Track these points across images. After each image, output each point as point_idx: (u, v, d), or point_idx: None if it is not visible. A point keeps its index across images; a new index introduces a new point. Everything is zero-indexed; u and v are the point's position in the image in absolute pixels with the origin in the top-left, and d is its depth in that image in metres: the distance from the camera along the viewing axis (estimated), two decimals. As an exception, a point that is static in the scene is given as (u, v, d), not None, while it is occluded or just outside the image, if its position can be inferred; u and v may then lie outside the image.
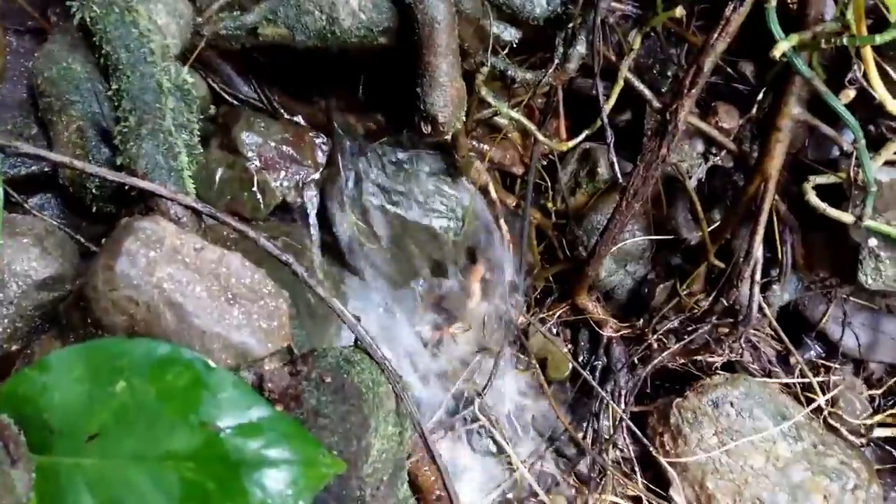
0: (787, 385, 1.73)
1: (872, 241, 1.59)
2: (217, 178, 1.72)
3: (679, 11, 1.50)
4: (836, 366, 1.75)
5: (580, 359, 1.91)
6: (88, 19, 1.25)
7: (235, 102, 1.77)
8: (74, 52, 1.31)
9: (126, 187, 1.21)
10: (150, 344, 0.81)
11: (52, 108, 1.32)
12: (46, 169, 1.36)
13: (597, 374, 1.85)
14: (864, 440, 1.68)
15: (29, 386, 0.81)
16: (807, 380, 1.71)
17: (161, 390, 0.78)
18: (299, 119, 1.83)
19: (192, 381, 0.79)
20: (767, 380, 1.73)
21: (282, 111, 1.82)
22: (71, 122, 1.31)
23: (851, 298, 1.74)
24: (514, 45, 1.62)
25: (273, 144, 1.73)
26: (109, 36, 1.24)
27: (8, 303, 1.21)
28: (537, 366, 1.87)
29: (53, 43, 1.34)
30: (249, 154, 1.71)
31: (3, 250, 1.20)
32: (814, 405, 1.67)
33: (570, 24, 1.58)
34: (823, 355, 1.79)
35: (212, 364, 0.80)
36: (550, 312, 1.93)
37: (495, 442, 1.76)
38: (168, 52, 1.32)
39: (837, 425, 1.66)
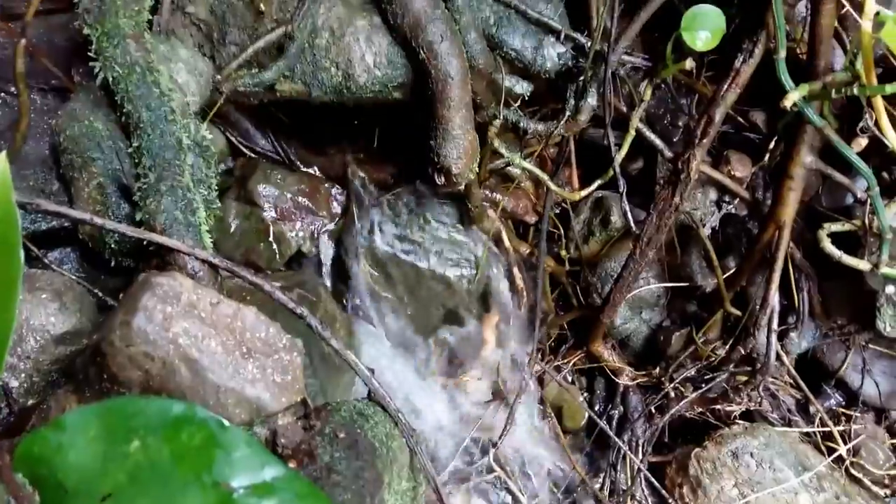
0: (807, 434, 1.70)
1: (890, 289, 1.57)
2: (234, 228, 1.74)
3: (689, 63, 1.52)
4: (857, 414, 1.71)
5: (596, 408, 1.89)
6: (111, 79, 1.29)
7: (253, 155, 1.81)
8: (97, 110, 1.35)
9: (145, 242, 1.23)
10: (165, 403, 0.81)
11: (74, 164, 1.35)
12: (66, 224, 1.39)
13: (613, 423, 1.82)
14: (888, 491, 1.64)
15: (44, 446, 0.81)
16: (827, 429, 1.68)
17: (175, 450, 0.78)
18: (315, 170, 1.87)
19: (206, 440, 0.78)
20: (787, 429, 1.70)
21: (298, 163, 1.85)
22: (92, 178, 1.34)
23: (870, 346, 1.71)
24: (526, 98, 1.65)
25: (289, 196, 1.76)
26: (131, 95, 1.27)
27: (25, 357, 1.23)
28: (553, 415, 1.86)
29: (76, 101, 1.38)
30: (266, 205, 1.73)
31: (22, 305, 1.22)
32: (835, 455, 1.64)
33: (581, 77, 1.61)
34: (844, 404, 1.76)
35: (226, 423, 0.80)
36: (565, 360, 1.92)
37: (511, 493, 1.74)
38: (188, 109, 1.35)
39: (860, 476, 1.63)
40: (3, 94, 1.51)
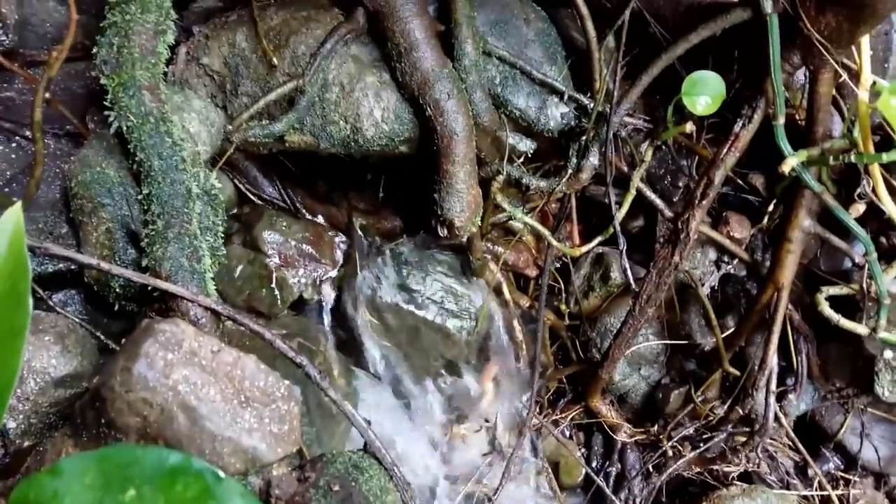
0: (805, 497, 1.69)
1: (888, 354, 1.58)
2: (237, 273, 1.76)
3: (689, 127, 1.55)
4: (856, 479, 1.70)
5: (593, 464, 1.88)
6: (125, 128, 1.32)
7: (259, 202, 1.84)
8: (109, 157, 1.38)
9: (149, 287, 1.25)
10: (162, 452, 0.81)
11: (84, 209, 1.38)
12: (73, 267, 1.40)
13: (611, 480, 1.81)
14: (887, 559, 1.62)
15: (39, 491, 0.82)
16: (826, 493, 1.67)
17: (170, 501, 0.78)
18: (320, 219, 1.89)
19: (202, 492, 0.79)
20: (785, 492, 1.69)
21: (303, 211, 1.87)
22: (101, 223, 1.36)
23: (869, 409, 1.71)
24: (529, 155, 1.68)
25: (293, 243, 1.78)
26: (144, 144, 1.31)
27: (25, 399, 1.24)
28: (549, 470, 1.84)
29: (90, 148, 1.41)
30: (270, 252, 1.75)
31: (25, 347, 1.23)
32: (834, 520, 1.63)
33: (584, 137, 1.64)
34: (842, 467, 1.75)
35: (221, 474, 0.80)
36: (563, 414, 1.92)
37: (506, 550, 1.72)
38: (198, 158, 1.38)
39: (859, 542, 1.61)
40: (18, 137, 1.55)
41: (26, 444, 1.23)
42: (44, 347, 1.24)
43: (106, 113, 1.34)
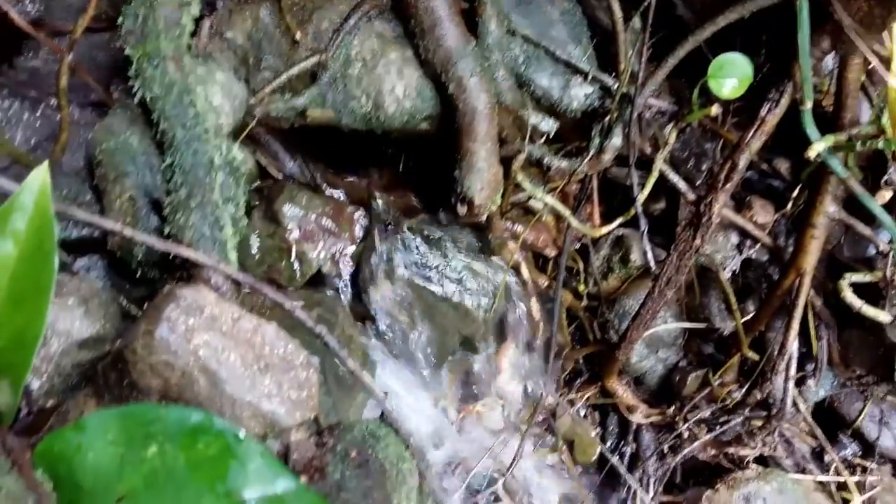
0: (821, 483, 1.68)
1: (909, 341, 1.57)
2: (257, 246, 1.77)
3: (715, 109, 1.53)
4: (874, 466, 1.69)
5: (608, 443, 1.89)
6: (149, 98, 1.33)
7: (280, 176, 1.84)
8: (133, 126, 1.39)
9: (171, 255, 1.26)
10: (184, 411, 0.83)
11: (108, 177, 1.39)
12: (96, 233, 1.42)
13: (625, 460, 1.82)
14: (902, 546, 1.61)
15: (64, 445, 0.84)
16: (842, 478, 1.66)
17: (191, 458, 0.80)
18: (340, 194, 1.90)
19: (222, 450, 0.80)
20: (801, 476, 1.69)
21: (324, 186, 1.88)
22: (124, 191, 1.38)
23: (889, 397, 1.70)
24: (551, 135, 1.67)
25: (313, 217, 1.79)
26: (167, 114, 1.32)
27: (48, 360, 1.26)
28: (564, 448, 1.85)
29: (114, 117, 1.42)
30: (290, 225, 1.76)
31: (49, 309, 1.25)
32: (849, 505, 1.62)
33: (607, 118, 1.63)
34: (860, 454, 1.74)
35: (242, 434, 0.82)
36: (579, 394, 1.92)
37: (518, 525, 1.73)
38: (221, 130, 1.39)
39: (874, 529, 1.61)
40: (43, 106, 1.56)
41: (49, 403, 1.25)
42: (67, 310, 1.26)
43: (130, 83, 1.35)
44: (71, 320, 1.28)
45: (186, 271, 1.29)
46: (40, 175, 0.72)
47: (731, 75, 1.48)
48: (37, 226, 0.71)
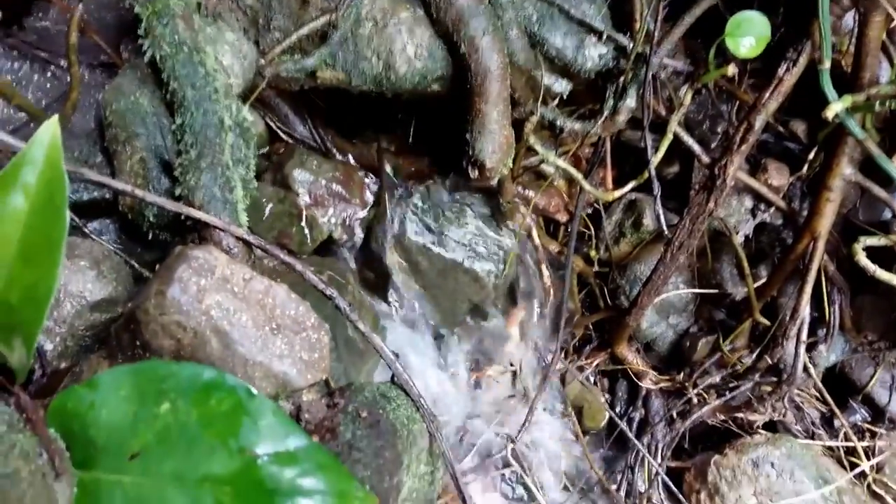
0: (830, 448, 1.69)
1: (923, 306, 1.55)
2: (268, 211, 1.77)
3: (731, 70, 1.51)
4: (883, 431, 1.69)
5: (617, 409, 1.89)
6: (158, 57, 1.32)
7: (290, 140, 1.83)
8: (143, 87, 1.38)
9: (182, 217, 1.26)
10: (196, 368, 0.83)
11: (118, 138, 1.39)
12: (107, 196, 1.42)
13: (634, 426, 1.82)
14: (910, 510, 1.62)
15: (77, 402, 0.84)
16: (851, 444, 1.66)
17: (203, 414, 0.80)
18: (350, 159, 1.89)
19: (234, 406, 0.81)
20: (810, 441, 1.69)
21: (334, 150, 1.87)
22: (135, 152, 1.37)
23: (901, 364, 1.69)
24: (565, 97, 1.65)
25: (323, 182, 1.78)
26: (177, 74, 1.30)
27: (61, 321, 1.26)
28: (573, 414, 1.86)
29: (123, 77, 1.41)
30: (300, 190, 1.75)
31: (61, 271, 1.25)
32: (858, 470, 1.62)
33: (621, 78, 1.61)
34: (869, 420, 1.74)
35: (254, 391, 0.82)
36: (589, 360, 1.92)
37: (526, 489, 1.74)
38: (231, 90, 1.38)
39: (882, 492, 1.61)
40: (53, 67, 1.55)
41: (63, 365, 1.26)
42: (79, 272, 1.26)
43: (140, 42, 1.34)
44: (83, 282, 1.29)
45: (198, 233, 1.28)
46: (50, 128, 0.71)
47: (748, 34, 1.45)
48: (47, 179, 0.70)
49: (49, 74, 1.55)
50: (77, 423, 0.84)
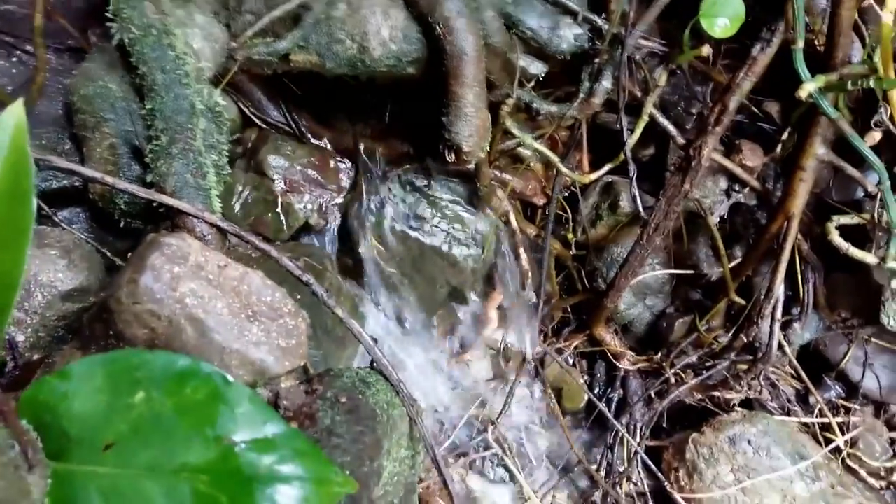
0: (805, 424, 1.71)
1: (895, 284, 1.57)
2: (242, 198, 1.75)
3: (706, 50, 1.51)
4: (857, 407, 1.72)
5: (596, 390, 1.91)
6: (127, 40, 1.29)
7: (264, 126, 1.81)
8: (111, 71, 1.35)
9: (154, 204, 1.23)
10: (171, 357, 0.82)
11: (87, 124, 1.36)
12: (77, 183, 1.39)
13: (612, 406, 1.84)
14: (883, 483, 1.65)
15: (49, 393, 0.83)
16: (826, 420, 1.69)
17: (179, 403, 0.79)
18: (325, 143, 1.87)
19: (210, 394, 0.79)
20: (786, 418, 1.71)
21: (308, 136, 1.85)
22: (104, 138, 1.34)
23: (873, 340, 1.72)
24: (541, 78, 1.64)
25: (299, 168, 1.76)
26: (146, 57, 1.28)
27: (32, 312, 1.24)
28: (552, 395, 1.87)
29: (91, 62, 1.38)
30: (275, 176, 1.73)
31: (31, 261, 1.23)
32: (832, 446, 1.65)
33: (597, 60, 1.60)
34: (843, 396, 1.77)
35: (230, 378, 0.81)
36: (567, 343, 1.93)
37: (508, 471, 1.75)
38: (202, 74, 1.35)
39: (856, 467, 1.64)
40: (18, 52, 1.52)
41: (35, 357, 1.23)
42: (50, 261, 1.24)
43: (108, 24, 1.31)
44: (54, 272, 1.26)
45: (170, 220, 1.26)
46: (15, 112, 0.69)
47: (722, 14, 1.45)
48: (13, 164, 0.68)
49: (14, 59, 1.51)
50: (49, 414, 0.82)
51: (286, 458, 0.79)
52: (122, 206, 1.35)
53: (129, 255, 1.16)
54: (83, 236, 1.38)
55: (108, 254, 1.39)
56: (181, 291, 1.06)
